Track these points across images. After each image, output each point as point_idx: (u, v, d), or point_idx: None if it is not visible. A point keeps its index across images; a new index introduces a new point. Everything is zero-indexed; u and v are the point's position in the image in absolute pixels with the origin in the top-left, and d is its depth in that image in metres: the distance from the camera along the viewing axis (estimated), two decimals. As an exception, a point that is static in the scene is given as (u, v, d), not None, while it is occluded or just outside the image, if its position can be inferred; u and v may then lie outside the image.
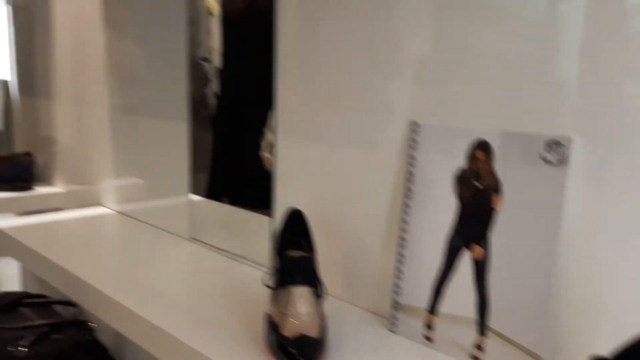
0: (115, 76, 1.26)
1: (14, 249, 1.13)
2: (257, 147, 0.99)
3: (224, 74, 1.07)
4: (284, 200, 0.91)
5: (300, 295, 0.66)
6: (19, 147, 1.57)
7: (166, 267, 0.98)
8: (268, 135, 0.98)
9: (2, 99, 1.59)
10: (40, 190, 1.37)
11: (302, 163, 0.87)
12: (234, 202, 1.06)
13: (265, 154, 0.99)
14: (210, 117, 1.09)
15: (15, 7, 1.61)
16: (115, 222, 1.27)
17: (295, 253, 0.72)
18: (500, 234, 0.63)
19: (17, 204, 1.33)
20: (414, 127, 0.71)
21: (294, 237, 0.76)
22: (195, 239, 1.11)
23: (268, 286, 0.71)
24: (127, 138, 1.26)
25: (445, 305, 0.67)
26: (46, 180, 1.42)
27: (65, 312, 1.42)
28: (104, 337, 1.33)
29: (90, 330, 1.36)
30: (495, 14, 0.64)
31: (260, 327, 0.72)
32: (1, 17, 1.71)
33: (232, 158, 1.08)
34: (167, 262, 1.01)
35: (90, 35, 1.30)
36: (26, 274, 1.69)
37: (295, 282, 0.67)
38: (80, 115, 1.38)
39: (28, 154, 1.41)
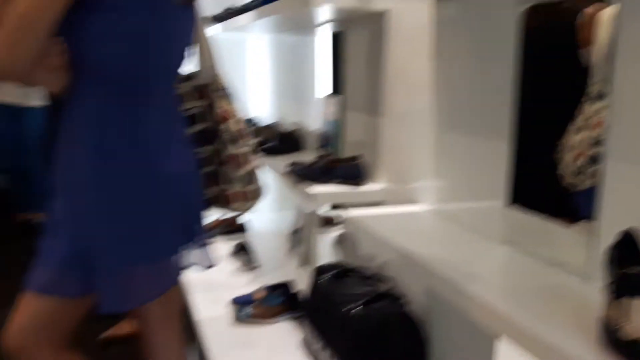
0: (438, 95, 1.50)
1: (360, 231, 1.47)
2: (551, 158, 1.13)
3: (524, 82, 1.21)
4: (609, 219, 1.01)
5: (638, 306, 0.79)
6: (347, 151, 1.97)
7: (480, 260, 1.18)
8: (566, 151, 1.09)
9: (338, 112, 2.00)
10: (366, 187, 1.71)
11: (631, 183, 0.97)
12: (528, 208, 1.22)
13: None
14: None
15: (345, 33, 1.99)
16: (429, 218, 1.52)
17: (633, 269, 0.83)
18: None
19: (351, 197, 1.70)
20: None
21: (626, 254, 0.88)
22: (506, 242, 1.28)
23: (606, 295, 0.85)
24: (446, 145, 1.49)
25: None
26: (371, 179, 1.76)
27: (378, 286, 1.73)
28: (412, 310, 1.60)
29: (402, 303, 1.64)
30: None
31: (586, 326, 0.87)
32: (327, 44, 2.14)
33: (527, 165, 1.23)
34: (480, 256, 1.21)
35: (418, 62, 1.56)
36: (345, 248, 2.09)
37: (633, 295, 0.80)
38: (401, 126, 1.67)
39: (358, 157, 1.76)
